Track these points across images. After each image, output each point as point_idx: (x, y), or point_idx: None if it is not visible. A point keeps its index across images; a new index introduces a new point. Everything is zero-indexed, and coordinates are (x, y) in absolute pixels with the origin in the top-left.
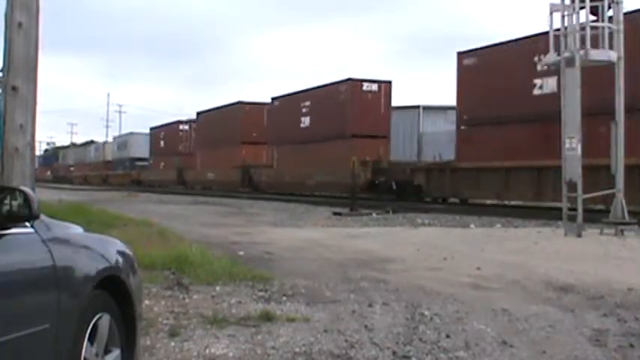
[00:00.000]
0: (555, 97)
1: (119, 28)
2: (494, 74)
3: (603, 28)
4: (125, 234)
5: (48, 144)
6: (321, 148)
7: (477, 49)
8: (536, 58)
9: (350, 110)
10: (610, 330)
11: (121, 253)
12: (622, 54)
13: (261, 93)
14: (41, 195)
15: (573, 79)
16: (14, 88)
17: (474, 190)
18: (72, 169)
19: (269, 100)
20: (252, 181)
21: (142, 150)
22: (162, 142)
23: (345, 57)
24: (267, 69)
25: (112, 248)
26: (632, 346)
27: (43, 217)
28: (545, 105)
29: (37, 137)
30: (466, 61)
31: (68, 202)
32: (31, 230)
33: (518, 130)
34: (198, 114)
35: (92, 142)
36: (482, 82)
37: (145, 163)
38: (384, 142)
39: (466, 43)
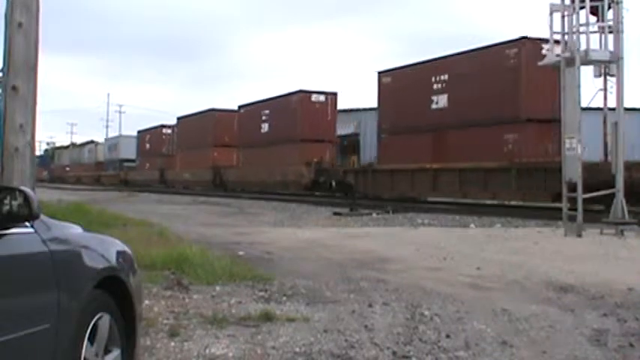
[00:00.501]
0: (445, 111)
1: (119, 28)
2: (403, 91)
3: (603, 28)
4: (125, 234)
5: (48, 144)
6: (276, 151)
7: (392, 70)
8: (433, 79)
9: (300, 118)
10: (610, 330)
11: (120, 253)
12: (622, 54)
13: (261, 93)
14: (41, 195)
15: (573, 79)
16: (14, 88)
17: (389, 189)
18: (67, 169)
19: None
20: (222, 180)
21: (130, 152)
22: (147, 145)
23: (346, 57)
24: (267, 69)
25: (111, 248)
26: (632, 346)
27: (43, 217)
28: (438, 118)
29: (37, 137)
30: (384, 80)
31: (68, 202)
32: (31, 230)
33: (420, 139)
34: (178, 119)
35: (92, 141)
36: (395, 98)
37: (133, 164)
38: (330, 145)
39: (465, 44)
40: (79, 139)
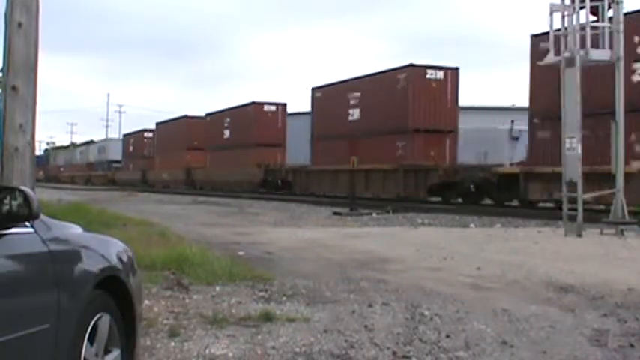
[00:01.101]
0: (358, 122)
1: (119, 28)
2: (330, 104)
3: (603, 28)
4: (125, 234)
5: (48, 144)
6: (235, 154)
7: (322, 86)
8: (349, 95)
9: (254, 125)
10: (610, 330)
11: (120, 253)
12: (622, 54)
13: (261, 93)
14: (40, 195)
15: (573, 79)
16: (14, 88)
17: (318, 186)
18: (62, 169)
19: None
20: (193, 179)
21: (117, 154)
22: (131, 148)
23: (346, 57)
24: (267, 69)
25: (111, 248)
26: (632, 346)
27: (43, 217)
28: (353, 128)
29: (37, 137)
30: (316, 94)
31: (68, 202)
32: (31, 230)
33: (341, 145)
34: (156, 124)
35: (92, 141)
36: (325, 109)
37: (119, 165)
38: (281, 149)
39: (466, 43)
40: (79, 139)
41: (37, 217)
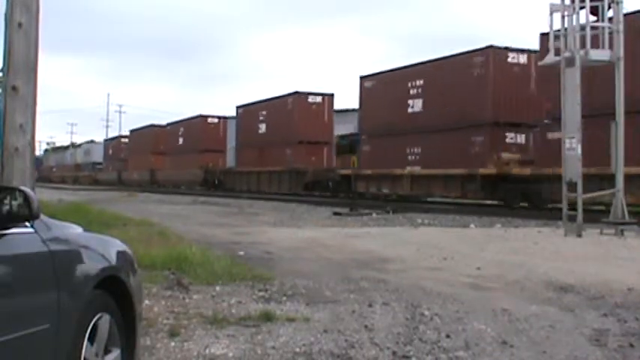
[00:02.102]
0: (264, 135)
1: (119, 28)
2: (248, 123)
3: (603, 28)
4: (125, 234)
5: (48, 144)
6: (185, 158)
7: (246, 105)
8: (260, 113)
9: (200, 135)
10: (610, 330)
11: (120, 253)
12: (622, 54)
13: (261, 93)
14: (40, 195)
15: (573, 79)
16: (14, 88)
17: (244, 184)
18: (53, 169)
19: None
20: (156, 179)
21: (99, 156)
22: (110, 151)
23: (347, 57)
24: (267, 69)
25: (112, 248)
26: (632, 346)
27: (43, 217)
28: (261, 140)
29: (37, 137)
30: (239, 111)
31: (68, 202)
32: (31, 230)
33: (254, 152)
34: (130, 131)
35: (92, 141)
36: (242, 126)
37: (101, 167)
38: (222, 154)
39: (465, 44)
40: (79, 139)
41: (37, 217)
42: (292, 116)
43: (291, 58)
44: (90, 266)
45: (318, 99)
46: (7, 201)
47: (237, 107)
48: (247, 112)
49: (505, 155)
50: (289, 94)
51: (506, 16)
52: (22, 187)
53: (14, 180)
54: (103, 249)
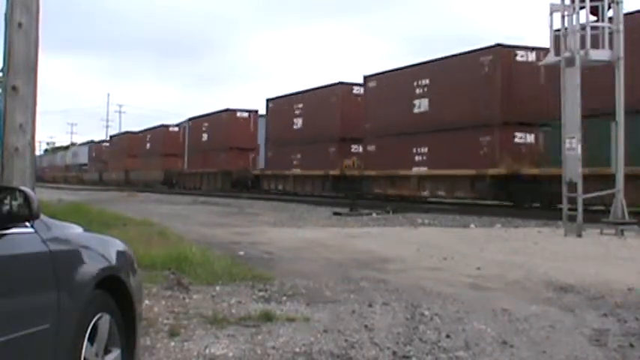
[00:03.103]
0: (207, 143)
1: (119, 28)
2: (196, 132)
3: (603, 28)
4: (125, 234)
5: (48, 144)
6: (151, 161)
7: (194, 117)
8: (203, 125)
9: (162, 141)
10: (610, 330)
11: (121, 253)
12: (622, 54)
13: (261, 93)
14: (40, 195)
15: (573, 79)
16: (14, 88)
17: (192, 183)
18: (46, 170)
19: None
20: (130, 178)
21: (85, 158)
22: (94, 153)
23: (347, 57)
24: (268, 69)
25: (112, 248)
26: (632, 346)
27: (43, 217)
28: (202, 147)
29: (37, 137)
30: (190, 123)
31: (67, 202)
32: (31, 230)
33: (199, 157)
34: (110, 137)
35: (92, 141)
36: (192, 136)
37: (86, 167)
38: (181, 158)
39: (465, 44)
40: (79, 139)
41: (37, 217)
42: (225, 128)
43: (291, 59)
44: (90, 266)
45: (246, 114)
46: (7, 201)
47: (188, 119)
48: (195, 123)
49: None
50: (223, 111)
51: (509, 16)
52: (22, 187)
53: (14, 180)
54: (103, 249)
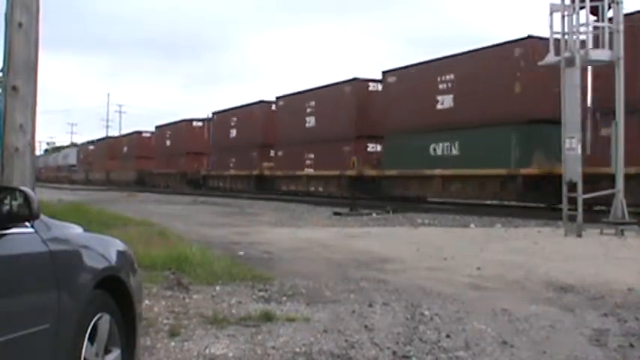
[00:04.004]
0: (170, 148)
1: (119, 28)
2: (161, 139)
3: (603, 28)
4: (125, 234)
5: (48, 144)
6: (127, 163)
7: (160, 126)
8: (167, 133)
9: (136, 146)
10: (610, 330)
11: (121, 253)
12: (622, 54)
13: (262, 93)
14: (40, 195)
15: (573, 79)
16: (14, 88)
17: (160, 182)
18: (42, 170)
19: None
20: (111, 179)
21: (74, 159)
22: (81, 155)
23: (349, 56)
24: (268, 69)
25: (112, 248)
26: (632, 346)
27: (43, 217)
28: (168, 149)
29: (37, 137)
30: (157, 131)
31: (67, 202)
32: (31, 230)
33: (165, 159)
34: (95, 140)
35: (59, 148)
36: (160, 142)
37: (75, 168)
38: (153, 160)
39: (464, 44)
40: (79, 139)
41: (37, 217)
42: (183, 135)
43: (291, 59)
44: (90, 266)
45: (200, 123)
46: (7, 201)
47: (156, 127)
48: (161, 131)
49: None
50: (181, 121)
51: (509, 17)
52: (22, 187)
53: (14, 180)
54: (103, 249)
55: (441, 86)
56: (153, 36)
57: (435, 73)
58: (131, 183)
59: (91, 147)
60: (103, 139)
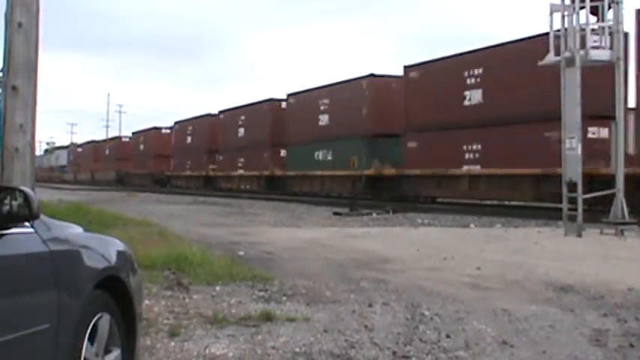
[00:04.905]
0: (142, 151)
1: (119, 28)
2: (136, 144)
3: (603, 28)
4: (125, 234)
5: (48, 144)
6: (109, 165)
7: (137, 132)
8: (141, 139)
9: (116, 149)
10: (610, 330)
11: (121, 253)
12: (622, 54)
13: (262, 92)
14: (41, 195)
15: (573, 79)
16: (14, 88)
17: (134, 181)
18: (38, 171)
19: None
20: (95, 178)
21: (65, 160)
22: (71, 157)
23: (347, 57)
24: (269, 69)
25: (112, 248)
26: (632, 346)
27: (43, 217)
28: (140, 153)
29: (37, 137)
30: (133, 136)
31: (67, 202)
32: (31, 230)
33: (139, 160)
34: (83, 143)
35: (93, 141)
36: (135, 146)
37: (66, 169)
38: (130, 161)
39: (465, 43)
40: (79, 139)
41: (37, 217)
42: (153, 140)
43: (290, 59)
44: (90, 266)
45: (168, 131)
46: (7, 201)
47: (132, 133)
48: (136, 137)
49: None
50: (152, 128)
51: (510, 18)
52: (22, 187)
53: (14, 180)
54: (103, 249)
55: (321, 107)
56: (153, 36)
57: (317, 98)
58: (112, 182)
59: (79, 149)
60: (88, 142)
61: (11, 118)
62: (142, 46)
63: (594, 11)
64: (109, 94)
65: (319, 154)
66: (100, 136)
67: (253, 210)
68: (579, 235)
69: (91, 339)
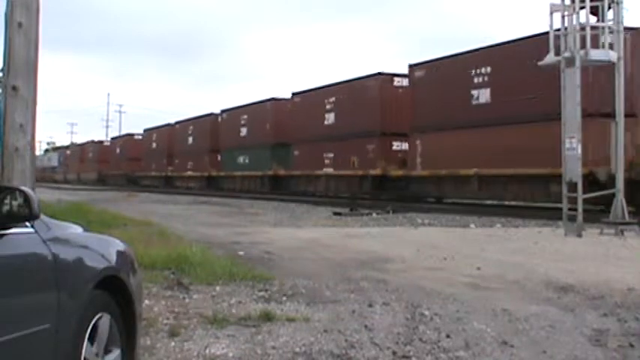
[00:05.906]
0: (119, 155)
1: (120, 28)
2: (113, 148)
3: (603, 28)
4: (125, 234)
5: (48, 144)
6: (92, 165)
7: (116, 137)
8: (119, 144)
9: (98, 152)
10: (610, 330)
11: (121, 252)
12: (622, 54)
13: (262, 92)
14: (41, 195)
15: (573, 79)
16: (14, 88)
17: (112, 181)
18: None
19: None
20: (80, 178)
21: (55, 162)
22: (62, 158)
23: (347, 57)
24: (269, 68)
25: (112, 248)
26: (632, 346)
27: (43, 217)
28: (116, 156)
29: (37, 137)
30: (113, 141)
31: (67, 202)
32: (31, 230)
33: (118, 162)
34: (77, 145)
35: (94, 141)
36: (112, 151)
37: (57, 170)
38: (109, 163)
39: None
40: (79, 139)
41: (37, 217)
42: (128, 145)
43: (291, 59)
44: (90, 266)
45: (140, 137)
46: (7, 201)
47: (111, 138)
48: (113, 142)
49: None
50: (126, 135)
51: (511, 18)
52: (22, 187)
53: (14, 180)
54: (103, 249)
55: (241, 121)
56: (153, 36)
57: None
58: (95, 182)
59: (68, 152)
60: (75, 145)
61: (11, 118)
62: (142, 46)
63: (594, 11)
64: (109, 94)
65: (240, 159)
66: (100, 136)
67: (253, 210)
68: (579, 235)
69: (91, 339)
